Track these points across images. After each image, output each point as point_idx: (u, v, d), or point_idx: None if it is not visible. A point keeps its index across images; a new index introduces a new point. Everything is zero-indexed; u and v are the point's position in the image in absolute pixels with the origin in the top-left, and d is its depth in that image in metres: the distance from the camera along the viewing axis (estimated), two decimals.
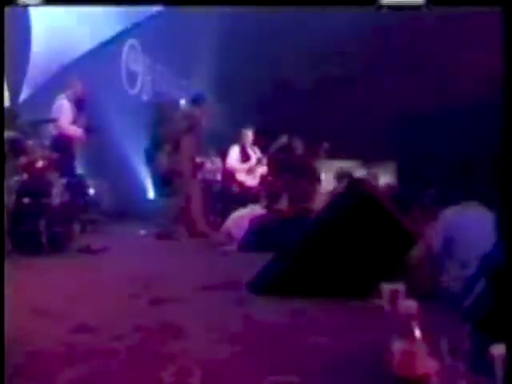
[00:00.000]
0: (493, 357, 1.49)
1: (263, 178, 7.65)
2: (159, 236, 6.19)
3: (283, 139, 7.76)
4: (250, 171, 7.59)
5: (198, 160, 7.10)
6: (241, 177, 7.59)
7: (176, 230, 6.28)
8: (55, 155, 5.18)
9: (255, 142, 7.78)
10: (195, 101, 6.77)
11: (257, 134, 7.76)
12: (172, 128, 6.53)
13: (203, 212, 6.76)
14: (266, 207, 6.38)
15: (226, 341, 2.19)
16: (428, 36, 8.72)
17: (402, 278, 2.61)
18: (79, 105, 6.31)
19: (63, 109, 6.09)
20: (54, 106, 6.11)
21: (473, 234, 2.97)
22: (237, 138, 7.77)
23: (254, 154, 7.71)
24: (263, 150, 7.84)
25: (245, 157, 7.63)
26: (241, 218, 6.15)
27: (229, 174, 7.83)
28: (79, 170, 6.80)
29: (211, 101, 7.47)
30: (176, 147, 6.40)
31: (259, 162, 7.62)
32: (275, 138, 7.86)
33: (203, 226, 6.50)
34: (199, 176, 7.29)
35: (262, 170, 7.68)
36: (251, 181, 7.59)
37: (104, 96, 7.70)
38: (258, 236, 5.62)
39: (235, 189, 7.57)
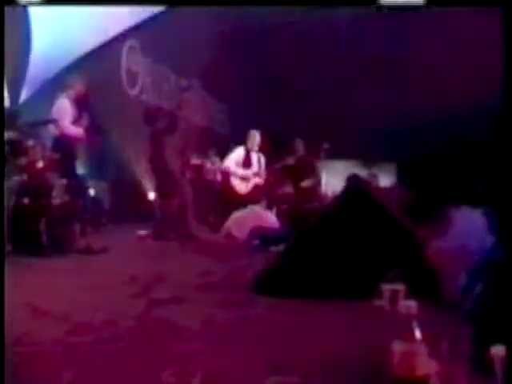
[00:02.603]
0: (493, 357, 1.49)
1: (256, 188, 7.45)
2: (157, 237, 6.17)
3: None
4: (244, 179, 7.42)
5: (198, 160, 7.07)
6: (234, 181, 7.43)
7: (170, 231, 6.20)
8: (55, 156, 5.19)
9: (262, 147, 7.57)
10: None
11: (264, 138, 7.52)
12: (154, 128, 6.35)
13: (194, 212, 6.61)
14: (266, 208, 6.39)
15: (227, 341, 2.19)
16: (428, 36, 8.73)
17: (404, 279, 2.61)
18: (80, 105, 6.26)
19: (64, 109, 6.05)
20: (55, 106, 6.08)
21: (481, 238, 2.95)
22: (238, 138, 7.68)
23: (257, 163, 7.50)
24: (268, 157, 7.65)
25: (246, 162, 7.44)
26: (241, 218, 6.17)
27: (223, 175, 7.72)
28: (79, 170, 6.79)
29: (213, 100, 7.44)
30: (160, 147, 6.24)
31: (257, 174, 7.46)
32: (281, 142, 7.75)
33: (194, 227, 6.38)
34: (189, 175, 7.17)
35: (258, 181, 7.49)
36: (243, 188, 7.40)
37: (104, 96, 7.70)
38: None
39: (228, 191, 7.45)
